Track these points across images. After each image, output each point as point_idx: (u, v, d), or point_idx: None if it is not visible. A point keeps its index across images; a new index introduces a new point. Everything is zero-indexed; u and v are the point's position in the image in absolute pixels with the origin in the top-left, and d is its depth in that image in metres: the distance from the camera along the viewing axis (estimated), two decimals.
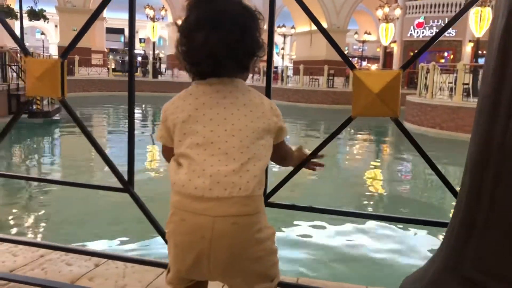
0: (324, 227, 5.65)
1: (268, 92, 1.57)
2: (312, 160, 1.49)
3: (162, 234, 1.66)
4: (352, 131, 15.22)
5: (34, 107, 15.43)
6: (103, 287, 1.97)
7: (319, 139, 14.73)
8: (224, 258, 1.12)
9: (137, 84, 26.29)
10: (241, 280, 1.19)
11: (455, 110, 13.99)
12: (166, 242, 1.29)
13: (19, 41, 1.79)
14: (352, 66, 1.48)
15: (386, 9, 25.79)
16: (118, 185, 1.79)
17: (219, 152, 1.14)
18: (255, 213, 1.15)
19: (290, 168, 1.54)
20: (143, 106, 21.58)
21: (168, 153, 1.27)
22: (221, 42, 1.15)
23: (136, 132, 1.88)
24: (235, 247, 1.12)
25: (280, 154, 1.34)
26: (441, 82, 16.05)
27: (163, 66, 34.90)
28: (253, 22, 1.21)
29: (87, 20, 1.71)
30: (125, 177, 1.76)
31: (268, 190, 1.63)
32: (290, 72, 28.95)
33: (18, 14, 22.06)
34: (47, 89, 1.73)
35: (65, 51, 1.73)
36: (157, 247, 4.64)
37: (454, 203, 1.17)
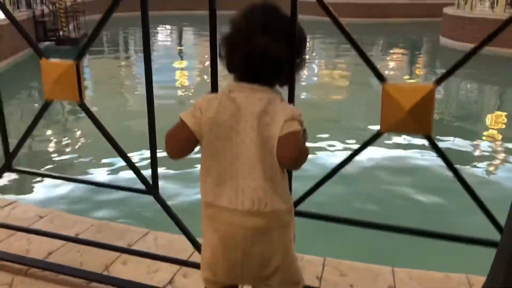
0: None
1: (291, 94, 1.48)
2: None
3: (190, 238, 1.68)
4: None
5: (61, 33, 15.37)
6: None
7: None
8: (256, 266, 1.24)
9: None
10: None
11: (497, 23, 13.06)
12: (193, 245, 1.46)
13: (33, 42, 1.72)
14: (382, 79, 1.37)
15: None
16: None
17: (247, 166, 1.20)
18: (283, 226, 1.25)
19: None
20: None
21: (180, 137, 1.24)
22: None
23: None
24: (265, 255, 1.23)
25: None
26: None
27: None
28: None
29: (100, 20, 1.61)
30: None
31: (295, 199, 1.59)
32: None
33: None
34: (65, 93, 1.69)
35: (80, 53, 1.66)
36: None
37: None
